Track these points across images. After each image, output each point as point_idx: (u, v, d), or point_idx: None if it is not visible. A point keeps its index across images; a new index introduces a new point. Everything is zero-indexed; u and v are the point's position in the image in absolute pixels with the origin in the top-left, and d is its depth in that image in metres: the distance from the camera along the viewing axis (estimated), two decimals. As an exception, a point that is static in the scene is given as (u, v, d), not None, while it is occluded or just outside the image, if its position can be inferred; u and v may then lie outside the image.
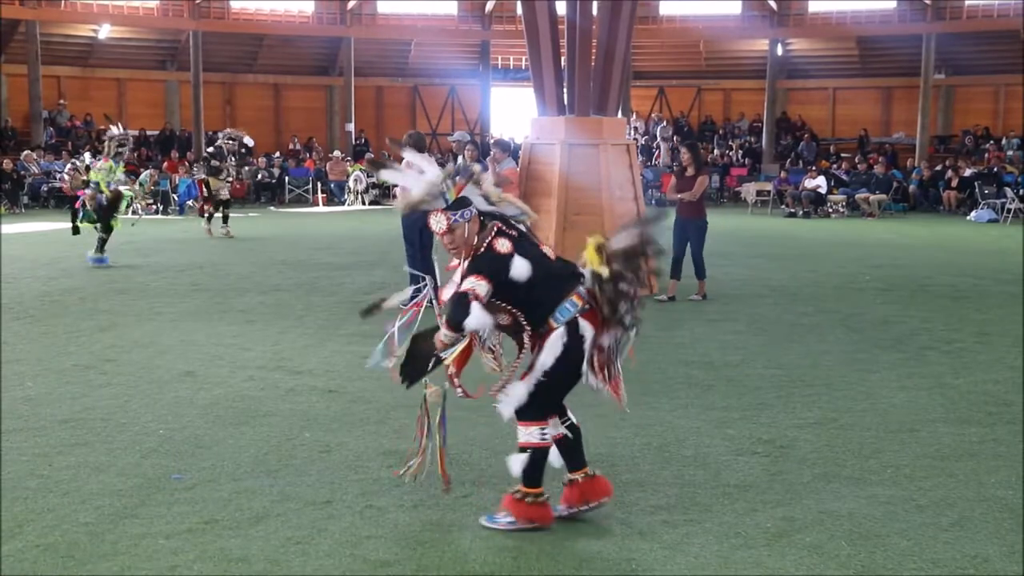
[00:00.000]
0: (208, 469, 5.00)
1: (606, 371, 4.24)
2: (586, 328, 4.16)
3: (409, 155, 4.56)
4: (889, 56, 29.29)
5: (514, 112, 30.75)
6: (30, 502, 4.52)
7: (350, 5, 28.95)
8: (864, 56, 29.79)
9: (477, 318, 4.07)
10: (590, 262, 4.20)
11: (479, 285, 4.08)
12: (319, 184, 25.87)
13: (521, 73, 29.06)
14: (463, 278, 4.21)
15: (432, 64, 30.65)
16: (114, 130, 13.47)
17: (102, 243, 12.70)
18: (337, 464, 5.09)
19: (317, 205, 25.11)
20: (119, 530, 4.22)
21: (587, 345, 4.16)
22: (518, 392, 4.19)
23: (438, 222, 4.21)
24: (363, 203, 25.05)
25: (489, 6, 29.92)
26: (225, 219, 16.47)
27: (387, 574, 3.85)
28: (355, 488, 4.74)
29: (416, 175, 4.35)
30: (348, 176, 25.71)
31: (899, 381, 6.90)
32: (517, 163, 11.32)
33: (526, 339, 4.24)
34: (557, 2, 12.09)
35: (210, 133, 27.94)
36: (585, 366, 4.19)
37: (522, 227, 4.38)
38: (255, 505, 4.51)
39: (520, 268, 4.15)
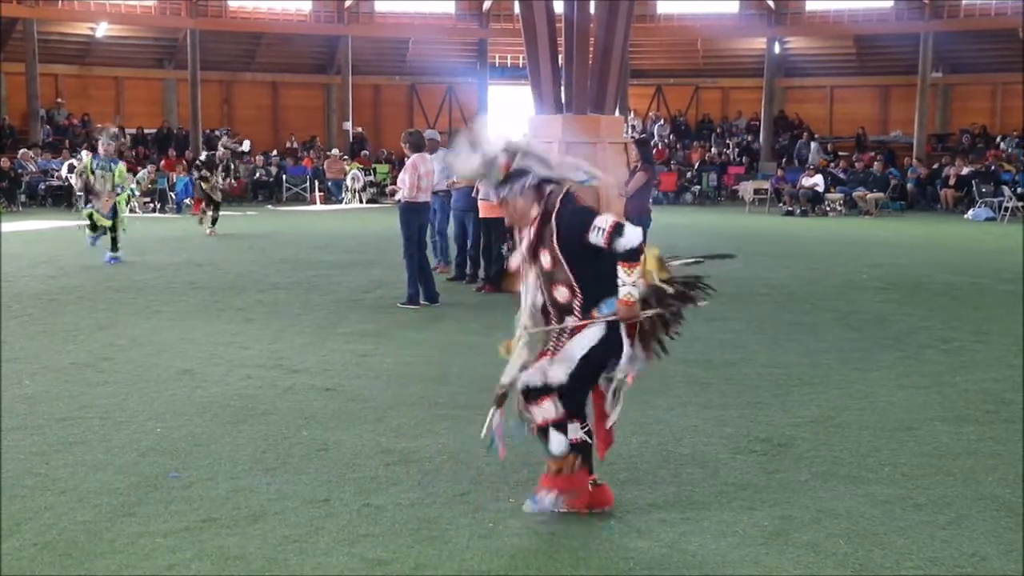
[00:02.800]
0: (206, 467, 5.00)
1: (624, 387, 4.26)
2: (624, 337, 4.14)
3: (465, 137, 4.37)
4: (887, 55, 29.32)
5: (512, 110, 30.73)
6: (28, 500, 4.52)
7: (348, 4, 28.95)
8: (862, 55, 29.82)
9: (635, 232, 3.97)
10: (650, 271, 4.17)
11: (605, 218, 4.01)
12: (317, 183, 25.87)
13: (519, 71, 29.01)
14: (533, 247, 4.17)
15: (430, 62, 30.65)
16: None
17: (115, 241, 12.90)
18: (335, 462, 5.09)
19: (315, 204, 25.10)
20: (117, 528, 4.22)
21: (627, 348, 4.13)
22: (557, 371, 4.14)
23: (493, 198, 4.23)
24: (360, 201, 25.05)
25: (487, 5, 29.92)
26: (213, 221, 16.50)
27: (384, 572, 3.85)
28: (353, 486, 4.74)
29: (471, 150, 4.25)
30: (346, 175, 25.70)
31: (897, 380, 6.90)
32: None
33: (568, 322, 4.18)
34: (555, 0, 12.09)
35: (208, 132, 27.96)
36: (620, 371, 4.17)
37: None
38: (252, 503, 4.51)
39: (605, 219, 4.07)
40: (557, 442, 4.20)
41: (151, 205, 22.19)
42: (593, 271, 4.11)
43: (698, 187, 26.61)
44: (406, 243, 9.93)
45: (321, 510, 4.44)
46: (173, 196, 22.60)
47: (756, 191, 24.68)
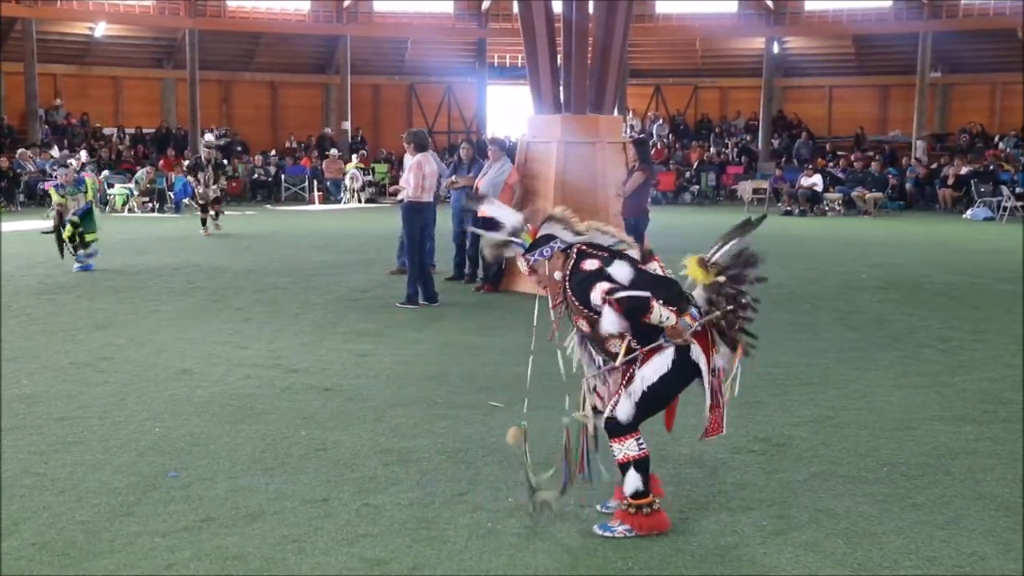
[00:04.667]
0: (204, 467, 5.00)
1: (719, 395, 4.24)
2: (699, 355, 4.12)
3: (486, 206, 4.50)
4: (886, 54, 29.31)
5: (510, 110, 30.73)
6: (26, 500, 4.52)
7: (346, 3, 28.92)
8: (861, 54, 29.81)
9: (611, 321, 3.99)
10: (696, 278, 4.16)
11: (600, 287, 4.00)
12: (315, 182, 25.86)
13: (517, 71, 29.02)
14: (570, 312, 4.20)
15: (429, 62, 30.62)
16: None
17: (85, 246, 12.42)
18: (333, 462, 5.09)
19: (313, 203, 25.09)
20: (115, 528, 4.22)
21: (704, 372, 4.13)
22: (627, 406, 4.14)
23: (521, 265, 4.27)
24: (359, 201, 25.04)
25: (485, 4, 29.90)
26: (203, 222, 16.47)
27: (383, 572, 3.85)
28: (351, 486, 4.74)
29: (501, 212, 4.38)
30: (344, 174, 25.69)
31: (895, 379, 6.90)
32: (513, 161, 11.30)
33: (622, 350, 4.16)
34: (554, 0, 12.09)
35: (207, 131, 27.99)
36: (707, 393, 4.18)
37: (618, 249, 4.26)
38: (251, 503, 4.51)
39: (620, 272, 4.08)
40: (632, 483, 4.17)
41: (150, 205, 22.17)
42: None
43: (697, 187, 26.60)
44: (408, 243, 9.93)
45: (320, 510, 4.44)
46: (172, 196, 22.57)
47: (755, 191, 24.66)
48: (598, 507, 4.45)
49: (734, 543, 4.12)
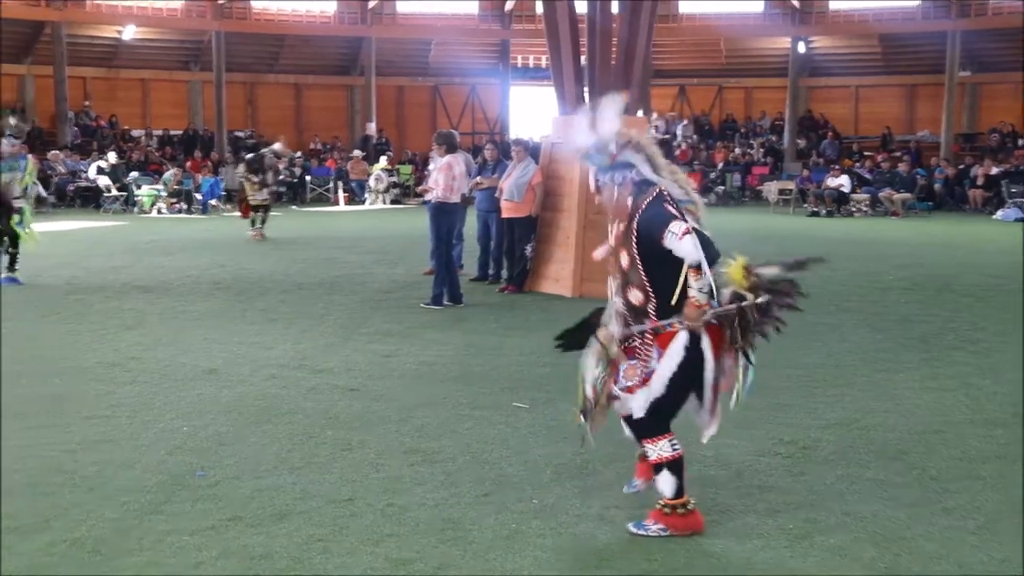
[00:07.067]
0: (231, 466, 5.03)
1: (717, 396, 4.24)
2: (706, 345, 4.13)
3: (584, 116, 4.35)
4: (913, 53, 29.08)
5: (534, 111, 30.73)
6: (57, 497, 4.56)
7: (371, 5, 29.02)
8: (887, 54, 29.58)
9: (693, 244, 3.97)
10: (735, 279, 4.17)
11: (680, 224, 4.01)
12: (340, 183, 25.96)
13: (541, 72, 29.02)
14: (617, 244, 4.20)
15: (452, 63, 30.69)
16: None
17: (13, 258, 11.09)
18: (359, 462, 5.11)
19: (338, 204, 25.19)
20: (145, 526, 4.25)
21: (708, 363, 4.13)
22: (645, 400, 4.15)
23: (591, 182, 4.24)
24: (384, 202, 25.12)
25: (509, 5, 29.91)
26: (260, 221, 16.21)
27: (408, 572, 3.86)
28: (376, 486, 4.75)
29: (588, 129, 4.26)
30: (369, 175, 25.78)
31: (923, 382, 6.84)
32: (537, 162, 11.30)
33: (645, 324, 4.18)
34: (577, 1, 12.08)
35: (233, 133, 28.17)
36: (708, 388, 4.18)
37: (685, 208, 4.26)
38: (277, 502, 4.53)
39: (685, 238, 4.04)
40: (668, 484, 4.16)
41: (177, 206, 22.34)
42: (666, 275, 4.09)
43: (722, 187, 26.49)
44: (435, 243, 9.96)
45: (345, 509, 4.45)
46: (199, 197, 22.73)
47: (781, 191, 24.54)
48: (625, 488, 4.52)
49: (760, 546, 4.09)
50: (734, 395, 4.31)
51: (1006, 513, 4.44)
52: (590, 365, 4.33)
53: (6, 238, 11.01)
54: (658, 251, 4.06)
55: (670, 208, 4.12)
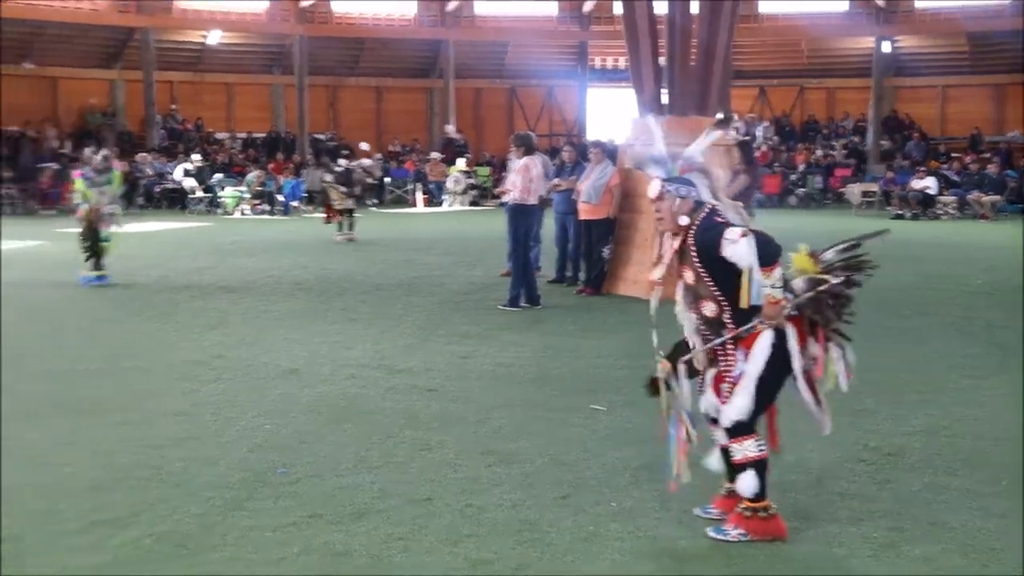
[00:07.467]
0: (312, 464, 5.10)
1: (817, 386, 4.21)
2: (792, 335, 4.11)
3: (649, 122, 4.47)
4: (1002, 52, 28.19)
5: (612, 113, 30.59)
6: (143, 492, 4.69)
7: (450, 7, 29.23)
8: (975, 52, 28.77)
9: (748, 245, 3.97)
10: (803, 268, 4.16)
11: (734, 230, 4.03)
12: (419, 185, 26.20)
13: (619, 73, 28.90)
14: (681, 259, 4.21)
15: (530, 65, 30.70)
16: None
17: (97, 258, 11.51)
18: (437, 462, 5.14)
19: (416, 206, 25.42)
20: (228, 522, 4.34)
21: (794, 353, 4.11)
22: (741, 403, 4.13)
23: (652, 187, 4.26)
24: (462, 204, 25.28)
25: (588, 6, 29.82)
26: (348, 226, 16.65)
27: (486, 573, 3.87)
28: (455, 486, 4.78)
29: (651, 139, 4.38)
30: (447, 177, 25.96)
31: (1013, 388, 6.64)
32: (615, 163, 11.25)
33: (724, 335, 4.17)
34: (656, 1, 12.00)
35: (314, 135, 28.65)
36: (800, 377, 4.16)
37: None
38: (357, 501, 4.59)
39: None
40: (749, 484, 4.13)
41: (260, 207, 22.78)
42: (735, 283, 4.08)
43: (803, 190, 26.04)
44: (512, 245, 9.99)
45: (424, 509, 4.49)
46: (281, 199, 23.15)
47: (864, 193, 24.04)
48: (697, 511, 4.39)
49: (843, 554, 4.01)
50: (840, 379, 4.23)
51: (1103, 526, 4.28)
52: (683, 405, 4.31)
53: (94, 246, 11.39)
54: (720, 261, 4.07)
55: (718, 219, 4.14)
